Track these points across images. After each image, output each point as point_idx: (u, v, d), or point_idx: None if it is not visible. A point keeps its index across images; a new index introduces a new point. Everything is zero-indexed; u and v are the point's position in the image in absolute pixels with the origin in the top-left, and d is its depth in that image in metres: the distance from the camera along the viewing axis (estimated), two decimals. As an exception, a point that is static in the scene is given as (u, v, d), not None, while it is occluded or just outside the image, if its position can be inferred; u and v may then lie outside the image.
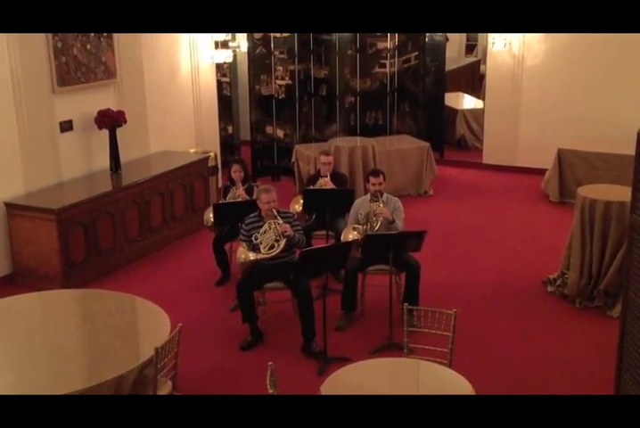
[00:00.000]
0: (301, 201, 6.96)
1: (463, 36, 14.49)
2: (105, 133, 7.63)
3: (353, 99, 10.43)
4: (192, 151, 9.06)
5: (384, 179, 6.20)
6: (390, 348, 5.51)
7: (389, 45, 10.24)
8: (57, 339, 4.71)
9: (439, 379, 4.18)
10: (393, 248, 5.65)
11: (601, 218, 6.15)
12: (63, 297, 5.50)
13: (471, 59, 14.46)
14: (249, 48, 9.99)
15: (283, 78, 10.17)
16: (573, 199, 7.43)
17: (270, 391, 3.81)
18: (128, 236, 7.45)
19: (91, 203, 6.98)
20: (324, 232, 6.77)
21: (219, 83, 10.11)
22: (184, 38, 9.03)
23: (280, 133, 10.42)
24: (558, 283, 6.58)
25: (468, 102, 12.61)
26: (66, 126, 7.40)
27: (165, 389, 4.39)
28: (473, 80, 13.71)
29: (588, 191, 6.46)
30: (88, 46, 7.48)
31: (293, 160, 9.61)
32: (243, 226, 5.80)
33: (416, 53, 10.32)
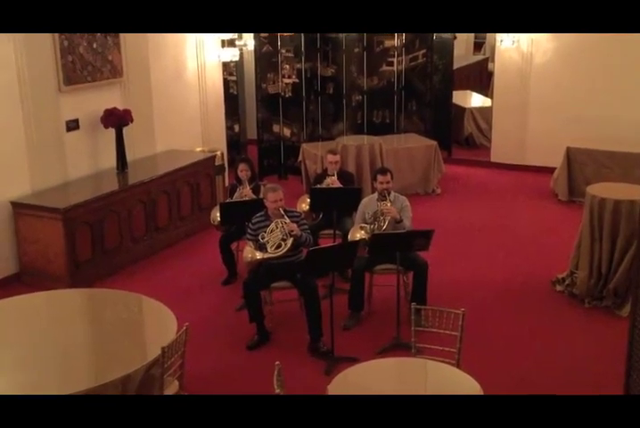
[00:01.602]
0: (308, 200, 6.93)
1: (471, 33, 14.43)
2: (111, 132, 7.62)
3: (360, 97, 10.39)
4: (198, 150, 9.05)
5: (392, 178, 6.17)
6: (398, 347, 5.48)
7: (396, 43, 10.20)
8: (63, 338, 4.69)
9: (447, 379, 4.16)
10: (400, 247, 5.62)
11: (610, 216, 6.10)
12: (69, 296, 5.49)
13: (479, 57, 14.39)
14: (255, 46, 9.97)
15: (289, 77, 10.15)
16: (582, 197, 7.39)
17: (277, 391, 3.78)
18: (135, 235, 7.44)
19: (97, 202, 6.97)
20: (332, 231, 6.75)
21: (226, 81, 10.09)
22: (190, 37, 9.01)
23: (287, 131, 10.40)
24: (567, 282, 6.54)
25: (476, 100, 12.57)
26: (72, 125, 7.40)
27: (171, 388, 4.39)
28: (481, 78, 13.66)
29: (597, 189, 6.42)
30: (95, 45, 7.48)
31: (300, 158, 9.58)
32: (250, 225, 5.78)
33: (424, 50, 10.28)
